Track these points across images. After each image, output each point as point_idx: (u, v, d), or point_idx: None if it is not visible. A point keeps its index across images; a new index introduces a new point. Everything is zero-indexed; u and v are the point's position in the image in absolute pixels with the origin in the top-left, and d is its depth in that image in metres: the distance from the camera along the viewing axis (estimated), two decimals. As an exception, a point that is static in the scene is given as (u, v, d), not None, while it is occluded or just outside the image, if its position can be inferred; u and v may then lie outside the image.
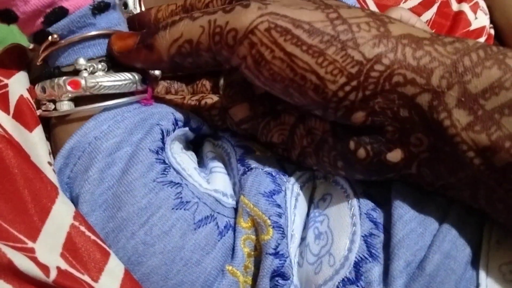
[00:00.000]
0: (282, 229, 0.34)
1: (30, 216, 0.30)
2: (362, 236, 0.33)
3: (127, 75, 0.36)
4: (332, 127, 0.34)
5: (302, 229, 0.36)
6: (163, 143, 0.36)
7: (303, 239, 0.36)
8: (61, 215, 0.31)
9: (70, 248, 0.30)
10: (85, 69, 0.35)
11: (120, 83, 0.35)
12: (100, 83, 0.35)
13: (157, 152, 0.35)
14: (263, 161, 0.37)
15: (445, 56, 0.29)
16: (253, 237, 0.35)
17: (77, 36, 0.35)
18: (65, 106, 0.35)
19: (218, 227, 0.35)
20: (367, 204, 0.35)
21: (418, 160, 0.32)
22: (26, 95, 0.36)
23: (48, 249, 0.30)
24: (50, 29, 0.35)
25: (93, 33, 0.36)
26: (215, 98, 0.39)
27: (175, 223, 0.33)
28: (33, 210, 0.30)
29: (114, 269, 0.31)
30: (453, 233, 0.32)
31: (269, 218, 0.34)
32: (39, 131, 0.35)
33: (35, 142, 0.34)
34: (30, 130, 0.34)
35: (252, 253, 0.35)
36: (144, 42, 0.35)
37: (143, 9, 0.50)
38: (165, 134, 0.36)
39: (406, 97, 0.30)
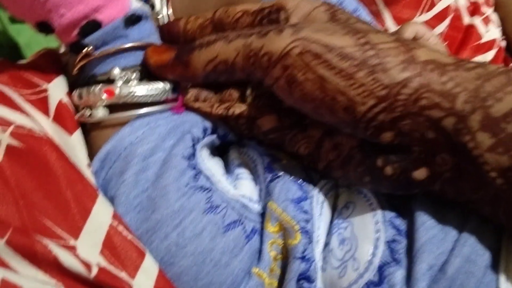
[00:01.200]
0: (309, 235, 0.36)
1: (73, 215, 0.32)
2: (386, 242, 0.35)
3: (160, 85, 0.37)
4: (360, 144, 0.36)
5: (326, 235, 0.38)
6: (194, 150, 0.37)
7: (326, 244, 0.38)
8: (101, 215, 0.33)
9: (109, 246, 0.32)
10: (120, 78, 0.37)
11: (152, 92, 0.37)
12: (133, 92, 0.36)
13: (188, 159, 0.36)
14: (290, 169, 0.39)
15: (468, 81, 0.31)
16: (280, 241, 0.36)
17: (112, 48, 0.37)
18: (100, 113, 0.37)
19: (245, 231, 0.36)
20: (390, 212, 0.36)
21: (442, 179, 0.33)
22: (66, 99, 0.37)
23: (89, 246, 0.31)
24: (85, 41, 0.37)
25: (128, 45, 0.37)
26: (243, 107, 0.41)
27: (206, 226, 0.35)
28: (75, 209, 0.32)
29: (149, 268, 0.33)
30: (473, 238, 0.33)
31: (297, 224, 0.36)
32: (78, 134, 0.36)
33: (74, 145, 0.36)
34: (70, 133, 0.36)
35: (278, 256, 0.37)
36: (180, 58, 0.37)
37: (170, 10, 0.52)
38: (195, 141, 0.38)
39: (432, 120, 0.31)
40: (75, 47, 0.37)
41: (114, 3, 0.37)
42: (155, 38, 0.40)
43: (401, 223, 0.36)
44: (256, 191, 0.39)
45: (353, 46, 0.32)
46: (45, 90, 0.37)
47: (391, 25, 0.61)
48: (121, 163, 0.35)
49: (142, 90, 0.37)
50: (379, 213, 0.36)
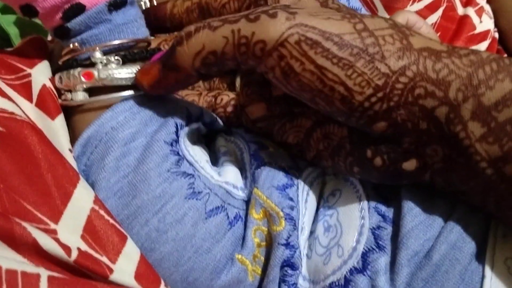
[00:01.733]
0: (294, 221, 0.36)
1: (53, 199, 0.31)
2: (370, 229, 0.35)
3: (138, 68, 0.37)
4: (350, 134, 0.36)
5: (311, 222, 0.38)
6: (177, 136, 0.37)
7: (311, 232, 0.38)
8: (82, 199, 0.32)
9: (90, 231, 0.32)
10: (100, 62, 0.37)
11: (131, 75, 0.37)
12: (112, 75, 0.36)
13: (171, 144, 0.36)
14: (276, 156, 0.39)
15: (461, 68, 0.30)
16: (264, 228, 0.36)
17: (98, 45, 0.37)
18: (80, 96, 0.37)
19: (228, 217, 0.36)
20: (376, 199, 0.36)
21: (432, 170, 0.33)
22: (49, 84, 0.37)
23: (70, 230, 0.31)
24: (69, 25, 0.37)
25: (115, 42, 0.37)
26: (231, 95, 0.41)
27: (187, 212, 0.35)
28: (56, 193, 0.32)
29: (130, 253, 0.33)
30: (461, 225, 0.33)
31: (282, 210, 0.36)
32: (60, 119, 0.36)
33: (57, 129, 0.35)
34: (53, 118, 0.36)
35: (262, 243, 0.37)
36: (166, 65, 0.35)
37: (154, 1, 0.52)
38: (179, 127, 0.37)
39: (426, 109, 0.31)
40: (59, 31, 0.37)
41: None
42: (141, 24, 0.39)
43: (387, 210, 0.36)
44: (241, 178, 0.39)
45: (352, 33, 0.31)
46: (29, 75, 0.37)
47: (383, 14, 0.62)
48: (102, 148, 0.35)
49: (121, 73, 0.37)
50: (364, 200, 0.36)
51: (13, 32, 0.63)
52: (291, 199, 0.37)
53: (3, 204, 0.30)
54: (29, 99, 0.36)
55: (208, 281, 0.35)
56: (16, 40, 0.62)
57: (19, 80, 0.37)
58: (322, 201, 0.39)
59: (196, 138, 0.41)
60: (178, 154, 0.36)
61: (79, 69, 0.37)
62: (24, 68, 0.37)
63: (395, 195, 0.36)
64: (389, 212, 0.36)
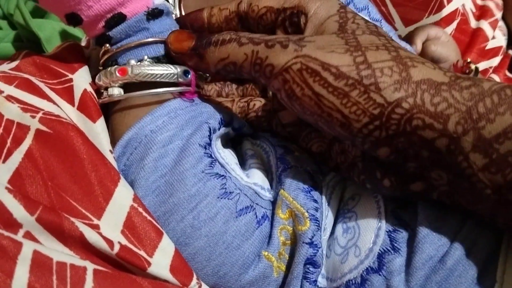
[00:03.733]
0: (318, 222, 0.38)
1: (96, 196, 0.34)
2: (387, 231, 0.37)
3: (170, 67, 0.39)
4: (362, 154, 0.38)
5: (332, 224, 0.40)
6: (210, 139, 0.40)
7: (331, 233, 0.40)
8: (122, 197, 0.35)
9: (130, 226, 0.34)
10: (134, 60, 0.39)
11: (162, 72, 0.39)
12: (144, 71, 0.39)
13: (205, 147, 0.38)
14: (301, 161, 0.41)
15: (461, 102, 0.31)
16: (289, 227, 0.39)
17: (132, 42, 0.39)
18: (115, 91, 0.39)
19: (256, 216, 0.38)
20: (393, 204, 0.38)
21: (439, 191, 0.34)
22: (89, 89, 0.39)
23: (111, 226, 0.33)
24: (110, 33, 0.39)
25: (149, 39, 0.40)
26: (263, 100, 0.43)
27: (220, 211, 0.37)
28: (98, 191, 0.34)
29: (166, 247, 0.35)
30: (475, 232, 0.35)
31: (307, 211, 0.38)
32: (101, 122, 0.39)
33: (98, 132, 0.38)
34: (94, 121, 0.38)
35: (287, 242, 0.39)
36: (196, 50, 0.39)
37: (182, 10, 0.54)
38: (212, 131, 0.40)
39: (425, 139, 0.32)
40: (101, 39, 0.40)
41: None
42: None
43: (403, 214, 0.38)
44: (267, 180, 0.41)
45: (349, 65, 0.33)
46: (70, 80, 0.40)
47: (400, 26, 0.63)
48: (141, 149, 0.38)
49: (154, 69, 0.39)
50: (382, 205, 0.38)
51: (44, 36, 0.65)
52: (315, 201, 0.39)
53: (51, 200, 0.33)
54: (71, 102, 0.38)
55: (237, 276, 0.38)
56: (47, 44, 0.65)
57: (61, 85, 0.39)
58: (342, 204, 0.41)
59: (225, 142, 0.43)
60: (211, 156, 0.39)
61: (115, 66, 0.39)
62: (66, 73, 0.40)
63: (411, 201, 0.38)
64: (405, 216, 0.37)
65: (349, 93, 0.33)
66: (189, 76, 0.40)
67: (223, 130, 0.41)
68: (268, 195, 0.40)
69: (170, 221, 0.37)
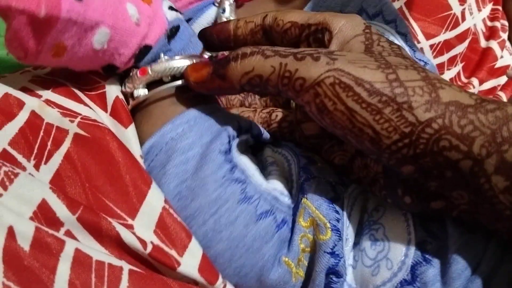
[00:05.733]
0: (339, 233, 0.39)
1: (130, 198, 0.35)
2: (417, 243, 0.38)
3: (186, 60, 0.41)
4: (384, 170, 0.39)
5: (354, 234, 0.41)
6: (230, 146, 0.41)
7: (356, 244, 0.41)
8: (154, 199, 0.36)
9: (162, 227, 0.35)
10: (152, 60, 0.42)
11: (180, 64, 0.41)
12: (163, 66, 0.41)
13: (225, 153, 0.40)
14: (324, 172, 0.42)
15: (486, 126, 0.32)
16: (310, 236, 0.40)
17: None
18: (140, 92, 0.41)
19: (276, 220, 0.40)
20: (420, 215, 0.39)
21: (459, 210, 0.35)
22: (121, 96, 0.41)
23: (144, 226, 0.35)
24: (139, 64, 0.42)
25: (179, 82, 0.41)
26: (285, 112, 0.44)
27: (240, 215, 0.39)
28: (132, 193, 0.36)
29: (195, 248, 0.36)
30: (502, 246, 0.35)
31: (329, 222, 0.39)
32: (132, 127, 0.40)
33: (130, 137, 0.39)
34: (126, 126, 0.40)
35: (306, 249, 0.40)
36: (217, 72, 0.39)
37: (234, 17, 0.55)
38: (231, 138, 0.41)
39: (450, 160, 0.32)
40: (123, 73, 0.42)
41: (156, 24, 0.41)
42: (195, 42, 0.44)
43: (432, 226, 0.38)
44: (286, 186, 0.43)
45: (383, 82, 0.33)
46: (103, 87, 0.41)
47: (422, 39, 0.65)
48: (162, 156, 0.39)
49: (170, 63, 0.41)
50: (410, 217, 0.39)
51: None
52: (337, 212, 0.40)
53: (89, 201, 0.34)
54: (104, 108, 0.40)
55: (257, 277, 0.39)
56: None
57: (95, 91, 0.41)
58: (366, 215, 0.42)
59: (244, 149, 0.45)
60: (231, 162, 0.40)
61: (135, 69, 0.41)
62: (99, 80, 0.42)
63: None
64: (434, 228, 0.38)
65: (382, 109, 0.33)
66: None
67: (242, 137, 0.43)
68: (287, 200, 0.42)
69: (192, 225, 0.38)
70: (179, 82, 0.41)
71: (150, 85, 0.42)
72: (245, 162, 0.42)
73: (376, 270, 0.38)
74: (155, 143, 0.40)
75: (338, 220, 0.40)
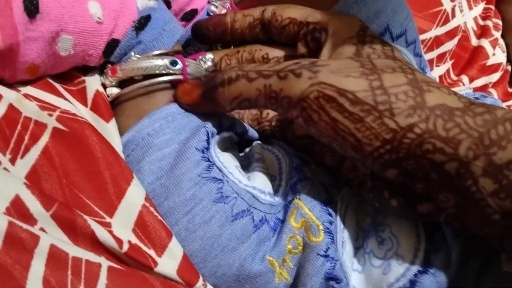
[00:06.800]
0: (332, 235, 0.39)
1: (109, 195, 0.35)
2: (426, 235, 0.38)
3: (157, 59, 0.40)
4: (371, 173, 0.38)
5: (352, 238, 0.41)
6: (208, 143, 0.40)
7: (360, 247, 0.41)
8: (134, 196, 0.35)
9: (141, 225, 0.35)
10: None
11: (147, 65, 0.40)
12: (131, 66, 0.40)
13: (202, 151, 0.39)
14: (317, 174, 0.42)
15: (473, 129, 0.32)
16: (299, 237, 0.39)
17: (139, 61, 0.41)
18: (113, 90, 0.41)
19: (253, 220, 0.39)
20: None
21: (446, 214, 0.35)
22: (101, 89, 0.40)
23: (123, 224, 0.34)
24: (110, 59, 0.41)
25: (153, 81, 0.41)
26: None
27: (215, 215, 0.38)
28: (111, 190, 0.35)
29: (174, 249, 0.36)
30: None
31: (322, 224, 0.39)
32: (114, 122, 0.39)
33: (111, 132, 0.38)
34: (107, 121, 0.39)
35: (294, 251, 0.39)
36: (207, 96, 0.39)
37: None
38: (210, 135, 0.41)
39: (435, 163, 0.33)
40: (102, 65, 0.41)
41: (123, 17, 0.40)
42: (169, 29, 0.42)
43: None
44: (269, 184, 0.42)
45: (366, 91, 0.34)
46: (83, 82, 0.40)
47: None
48: (138, 151, 0.38)
49: (139, 64, 0.40)
50: None
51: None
52: (330, 214, 0.40)
53: (65, 197, 0.33)
54: (84, 103, 0.39)
55: (235, 277, 0.38)
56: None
57: (75, 86, 0.40)
58: (369, 218, 0.42)
59: (228, 145, 0.44)
60: (208, 160, 0.39)
61: (109, 65, 0.41)
62: (79, 74, 0.41)
63: None
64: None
65: (364, 118, 0.34)
66: (177, 66, 0.41)
67: (224, 134, 0.42)
68: (268, 198, 0.41)
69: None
70: (150, 81, 0.40)
71: (123, 83, 0.41)
72: (224, 160, 0.41)
73: (387, 269, 0.38)
74: (132, 138, 0.39)
75: (331, 223, 0.39)
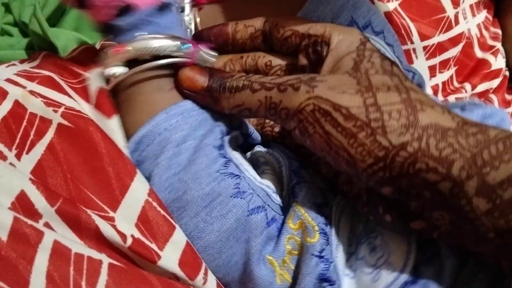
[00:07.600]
0: (327, 237, 0.39)
1: (113, 190, 0.35)
2: (417, 244, 0.37)
3: (169, 41, 0.40)
4: (367, 187, 0.39)
5: (346, 242, 0.41)
6: (223, 141, 0.41)
7: (352, 253, 0.41)
8: (137, 191, 0.36)
9: (144, 220, 0.35)
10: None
11: (161, 44, 0.39)
12: (143, 43, 0.39)
13: (218, 148, 0.40)
14: (315, 177, 0.43)
15: (466, 149, 0.32)
16: (298, 238, 0.40)
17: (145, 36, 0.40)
18: (121, 69, 0.40)
19: (267, 217, 0.40)
20: None
21: (439, 231, 0.35)
22: (104, 86, 0.40)
23: (126, 219, 0.35)
24: (119, 22, 0.39)
25: (163, 61, 0.40)
26: None
27: (232, 209, 0.39)
28: (115, 185, 0.35)
29: (177, 241, 0.36)
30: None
31: (317, 225, 0.39)
32: (117, 118, 0.40)
33: (114, 128, 0.39)
34: (108, 117, 0.39)
35: (293, 252, 0.40)
36: (211, 93, 0.40)
37: (197, 18, 0.55)
38: (223, 134, 0.41)
39: (428, 182, 0.33)
40: (108, 27, 0.40)
41: None
42: (180, 31, 0.42)
43: None
44: (277, 187, 0.43)
45: (359, 107, 0.34)
46: (86, 79, 0.41)
47: (417, 40, 0.65)
48: (155, 147, 0.39)
49: (154, 42, 0.39)
50: None
51: (60, 44, 0.67)
52: (325, 217, 0.40)
53: (70, 192, 0.34)
54: (88, 100, 0.40)
55: (243, 268, 0.39)
56: (63, 53, 0.66)
57: (80, 84, 0.40)
58: (362, 225, 0.42)
59: (234, 146, 0.44)
60: (225, 157, 0.40)
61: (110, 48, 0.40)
62: (82, 72, 0.41)
63: None
64: None
65: (357, 134, 0.34)
66: (188, 49, 0.40)
67: (233, 133, 0.43)
68: (278, 199, 0.42)
69: (183, 216, 0.38)
70: (159, 62, 0.40)
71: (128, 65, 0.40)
72: (238, 157, 0.42)
73: (377, 276, 0.38)
74: (148, 133, 0.39)
75: (326, 225, 0.40)
